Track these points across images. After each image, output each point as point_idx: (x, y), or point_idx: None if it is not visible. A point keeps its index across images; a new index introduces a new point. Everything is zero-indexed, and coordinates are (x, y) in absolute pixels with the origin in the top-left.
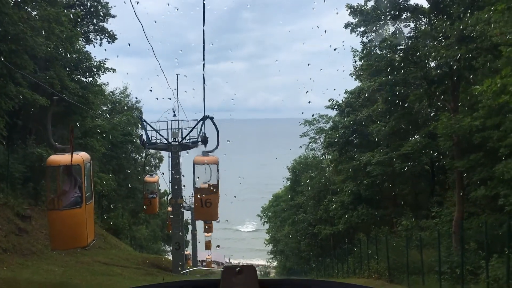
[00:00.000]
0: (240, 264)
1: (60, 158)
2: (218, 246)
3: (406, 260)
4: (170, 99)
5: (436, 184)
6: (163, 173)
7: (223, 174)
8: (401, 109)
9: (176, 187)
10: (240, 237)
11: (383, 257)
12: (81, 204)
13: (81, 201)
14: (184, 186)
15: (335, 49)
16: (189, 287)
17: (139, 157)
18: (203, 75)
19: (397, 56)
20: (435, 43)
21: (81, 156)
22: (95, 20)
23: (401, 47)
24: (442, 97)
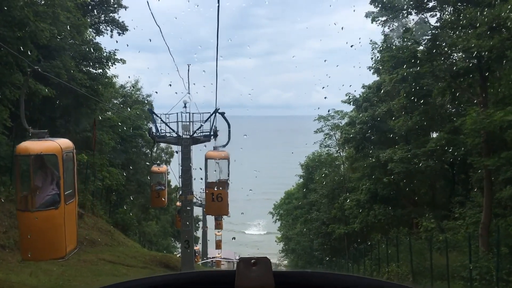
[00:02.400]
0: (255, 256)
1: (32, 146)
2: (233, 238)
3: (428, 263)
4: (182, 92)
5: (456, 183)
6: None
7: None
8: (424, 103)
9: (186, 183)
10: (247, 240)
11: (403, 259)
12: (58, 205)
13: (58, 201)
14: (195, 179)
15: (351, 46)
16: (205, 277)
17: (150, 152)
18: (216, 64)
19: (421, 46)
20: (462, 33)
21: (59, 143)
22: (107, 8)
23: (425, 37)
24: (467, 91)
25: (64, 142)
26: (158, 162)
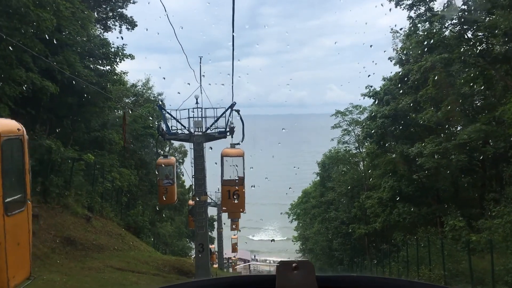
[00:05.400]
0: (296, 259)
1: None
2: (272, 240)
3: (462, 266)
4: (189, 83)
5: (488, 179)
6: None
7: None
8: (455, 92)
9: (199, 183)
10: (253, 247)
11: (433, 262)
12: None
13: None
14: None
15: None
16: (245, 282)
17: (162, 152)
18: (232, 55)
19: (449, 30)
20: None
21: None
22: (115, 2)
23: (455, 21)
24: (504, 78)
25: (5, 124)
26: (164, 153)
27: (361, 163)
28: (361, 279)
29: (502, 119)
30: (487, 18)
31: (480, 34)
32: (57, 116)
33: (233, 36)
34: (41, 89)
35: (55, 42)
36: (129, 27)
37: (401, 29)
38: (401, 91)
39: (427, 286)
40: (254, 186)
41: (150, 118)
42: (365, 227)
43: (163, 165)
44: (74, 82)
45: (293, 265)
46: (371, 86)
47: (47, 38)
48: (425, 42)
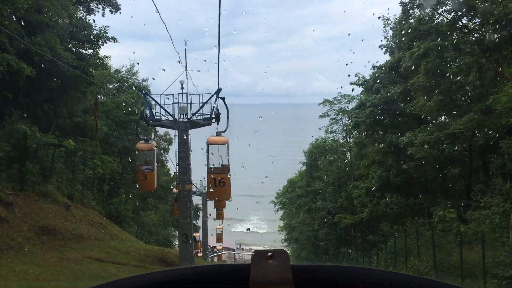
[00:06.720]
0: (271, 249)
1: None
2: (248, 229)
3: (452, 259)
4: (179, 62)
5: (474, 170)
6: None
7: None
8: (447, 81)
9: (184, 171)
10: (235, 238)
11: (423, 254)
12: None
13: None
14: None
15: (349, 34)
16: (217, 272)
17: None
18: (219, 36)
19: (443, 16)
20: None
21: None
22: None
23: (448, 7)
24: (497, 67)
25: None
26: (144, 137)
27: (349, 152)
28: (335, 268)
29: (491, 109)
30: (483, 4)
31: (477, 21)
32: (35, 101)
33: (219, 24)
34: (18, 71)
35: (34, 22)
36: (113, 9)
37: (392, 14)
38: (390, 80)
39: (404, 276)
40: (243, 167)
41: (138, 107)
42: (351, 217)
43: (142, 150)
44: (54, 66)
45: (268, 254)
46: (360, 74)
47: (25, 18)
48: (417, 28)
